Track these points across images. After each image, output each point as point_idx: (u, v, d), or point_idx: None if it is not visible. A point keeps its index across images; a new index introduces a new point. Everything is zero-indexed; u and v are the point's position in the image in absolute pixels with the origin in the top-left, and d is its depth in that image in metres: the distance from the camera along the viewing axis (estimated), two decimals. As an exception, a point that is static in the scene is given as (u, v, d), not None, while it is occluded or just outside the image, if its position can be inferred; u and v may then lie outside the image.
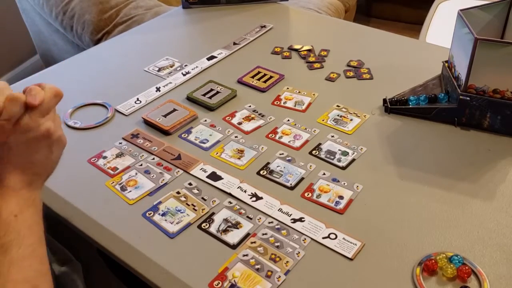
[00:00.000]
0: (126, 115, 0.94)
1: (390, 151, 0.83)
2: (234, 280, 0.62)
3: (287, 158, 0.82)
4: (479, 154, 0.81)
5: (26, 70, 2.28)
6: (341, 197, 0.74)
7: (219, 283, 0.62)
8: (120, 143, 0.87)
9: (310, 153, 0.83)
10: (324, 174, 0.78)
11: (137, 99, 0.98)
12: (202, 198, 0.75)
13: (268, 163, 0.81)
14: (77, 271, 0.81)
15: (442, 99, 0.89)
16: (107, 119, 0.92)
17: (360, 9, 2.69)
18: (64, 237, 0.80)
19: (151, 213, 0.73)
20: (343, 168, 0.80)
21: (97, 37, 1.57)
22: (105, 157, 0.83)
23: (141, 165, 0.82)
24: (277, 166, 0.80)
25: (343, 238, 0.67)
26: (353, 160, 0.81)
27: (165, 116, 0.91)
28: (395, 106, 0.91)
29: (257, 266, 0.64)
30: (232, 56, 1.12)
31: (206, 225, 0.70)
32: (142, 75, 1.06)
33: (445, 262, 0.63)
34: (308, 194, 0.75)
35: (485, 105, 0.83)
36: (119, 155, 0.84)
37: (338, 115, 0.91)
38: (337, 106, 0.94)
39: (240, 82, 1.02)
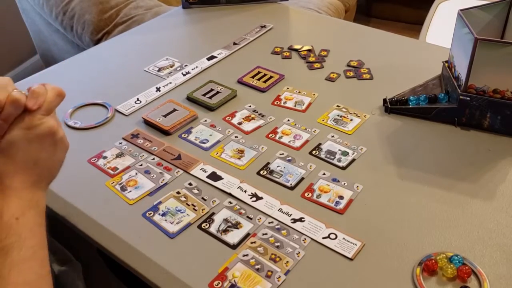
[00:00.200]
0: (126, 115, 0.94)
1: (390, 151, 0.83)
2: (234, 280, 0.62)
3: (287, 158, 0.82)
4: (479, 154, 0.81)
5: (26, 70, 2.28)
6: (341, 197, 0.74)
7: (219, 283, 0.62)
8: (120, 143, 0.87)
9: (310, 153, 0.83)
10: (324, 174, 0.78)
11: (137, 99, 0.98)
12: (202, 198, 0.75)
13: (268, 163, 0.81)
14: (77, 271, 0.81)
15: (442, 99, 0.89)
16: (107, 119, 0.92)
17: (360, 9, 2.69)
18: (64, 237, 0.80)
19: (151, 213, 0.73)
20: (343, 168, 0.80)
21: (97, 37, 1.57)
22: (105, 157, 0.83)
23: (141, 165, 0.82)
24: (277, 166, 0.80)
25: (343, 238, 0.67)
26: (353, 160, 0.81)
27: (165, 116, 0.91)
28: (395, 106, 0.91)
29: (257, 266, 0.64)
30: (232, 56, 1.12)
31: (206, 225, 0.71)
32: (142, 75, 1.06)
33: (445, 262, 0.63)
34: (308, 194, 0.75)
35: (485, 105, 0.83)
36: (119, 155, 0.84)
37: (338, 115, 0.91)
38: (337, 106, 0.94)
39: (240, 82, 1.02)
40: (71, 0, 1.60)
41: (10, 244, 0.53)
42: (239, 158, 0.82)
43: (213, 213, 0.72)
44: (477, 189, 0.75)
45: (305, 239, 0.68)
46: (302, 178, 0.78)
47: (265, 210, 0.72)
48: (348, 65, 1.07)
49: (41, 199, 0.59)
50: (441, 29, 1.80)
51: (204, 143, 0.86)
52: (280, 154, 0.83)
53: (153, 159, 0.83)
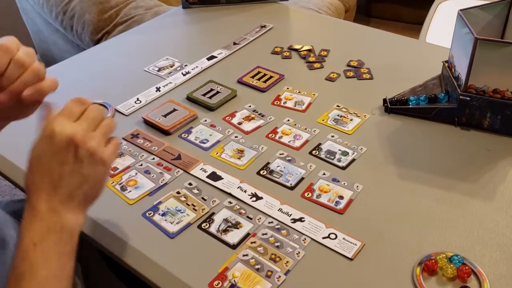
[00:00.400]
0: (126, 115, 0.94)
1: (390, 151, 0.83)
2: (234, 280, 0.62)
3: (287, 158, 0.82)
4: (479, 154, 0.81)
5: (26, 70, 2.27)
6: (341, 197, 0.74)
7: (219, 283, 0.62)
8: (120, 143, 0.86)
9: (310, 153, 0.83)
10: (324, 174, 0.78)
11: (137, 99, 0.98)
12: (202, 198, 0.75)
13: (268, 163, 0.81)
14: (77, 271, 0.81)
15: (442, 99, 0.89)
16: (107, 119, 0.92)
17: (360, 9, 2.69)
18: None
19: (151, 213, 0.73)
20: (343, 168, 0.80)
21: (97, 37, 1.57)
22: (105, 157, 0.83)
23: (141, 165, 0.82)
24: (277, 166, 0.80)
25: (343, 238, 0.67)
26: (353, 160, 0.81)
27: (165, 116, 0.91)
28: (395, 106, 0.91)
29: (257, 266, 0.64)
30: (232, 56, 1.12)
31: (206, 225, 0.71)
32: (142, 75, 1.06)
33: (445, 262, 0.63)
34: (308, 194, 0.75)
35: (485, 105, 0.83)
36: (119, 155, 0.84)
37: (338, 115, 0.91)
38: (337, 106, 0.94)
39: (240, 82, 1.02)
40: (71, 0, 1.61)
41: (22, 274, 0.49)
42: (239, 158, 0.82)
43: (213, 213, 0.72)
44: (477, 189, 0.75)
45: (305, 239, 0.68)
46: (302, 178, 0.78)
47: (265, 210, 0.72)
48: (348, 65, 1.07)
49: (67, 225, 0.52)
50: (441, 29, 1.80)
51: (204, 143, 0.86)
52: (280, 154, 0.83)
53: (153, 159, 0.83)
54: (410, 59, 1.08)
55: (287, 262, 0.65)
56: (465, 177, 0.77)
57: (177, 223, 0.71)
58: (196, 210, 0.73)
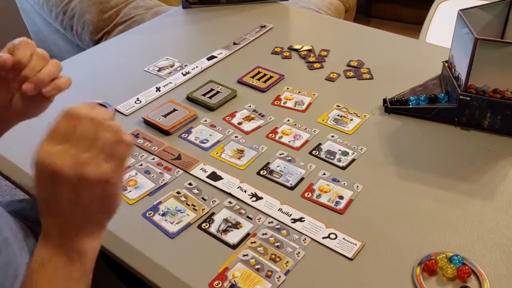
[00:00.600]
0: (126, 115, 0.94)
1: (390, 151, 0.83)
2: (234, 280, 0.62)
3: (287, 158, 0.82)
4: (479, 154, 0.81)
5: (26, 70, 2.27)
6: (341, 197, 0.74)
7: (219, 283, 0.62)
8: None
9: (310, 153, 0.83)
10: (324, 174, 0.78)
11: (137, 99, 0.98)
12: (202, 198, 0.75)
13: (268, 163, 0.81)
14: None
15: (442, 99, 0.89)
16: (107, 119, 0.92)
17: (360, 9, 2.69)
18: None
19: (151, 213, 0.73)
20: (343, 168, 0.80)
21: (97, 37, 1.57)
22: (105, 157, 0.83)
23: (141, 165, 0.82)
24: (277, 166, 0.80)
25: (343, 238, 0.67)
26: (353, 160, 0.81)
27: (165, 116, 0.91)
28: (395, 106, 0.91)
29: (257, 266, 0.64)
30: (232, 56, 1.12)
31: (206, 225, 0.71)
32: (142, 75, 1.06)
33: (445, 262, 0.63)
34: (308, 194, 0.75)
35: (485, 105, 0.83)
36: (119, 155, 0.83)
37: (338, 115, 0.91)
38: (337, 106, 0.94)
39: (240, 82, 1.02)
40: (71, 0, 1.61)
41: None
42: (239, 158, 0.82)
43: (213, 213, 0.72)
44: (477, 189, 0.75)
45: (305, 239, 0.68)
46: (302, 178, 0.78)
47: (265, 210, 0.72)
48: (348, 65, 1.07)
49: (81, 248, 0.49)
50: (441, 29, 1.80)
51: (204, 143, 0.86)
52: (280, 154, 0.83)
53: (153, 159, 0.83)
54: (410, 59, 1.08)
55: (287, 262, 0.65)
56: (465, 177, 0.77)
57: (177, 223, 0.71)
58: (196, 210, 0.73)
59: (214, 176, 0.78)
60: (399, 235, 0.68)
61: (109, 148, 0.48)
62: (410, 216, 0.71)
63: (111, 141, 0.48)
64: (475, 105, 0.83)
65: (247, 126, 0.90)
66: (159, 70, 1.07)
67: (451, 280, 0.62)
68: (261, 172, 0.79)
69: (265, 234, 0.69)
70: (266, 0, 1.35)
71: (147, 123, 0.91)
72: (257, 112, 0.93)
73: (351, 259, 0.65)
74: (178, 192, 0.76)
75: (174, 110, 0.92)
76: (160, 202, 0.74)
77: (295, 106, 0.94)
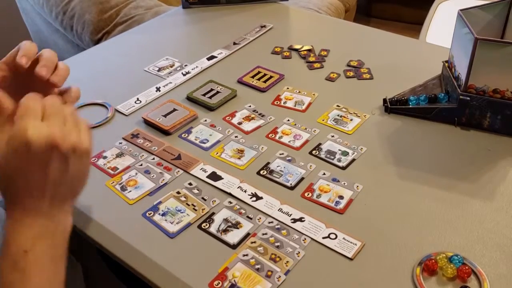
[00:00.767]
0: (126, 115, 0.94)
1: (390, 151, 0.83)
2: (234, 280, 0.62)
3: (287, 158, 0.82)
4: (479, 154, 0.81)
5: (26, 70, 2.27)
6: (341, 197, 0.74)
7: (219, 283, 0.62)
8: (120, 143, 0.87)
9: (310, 153, 0.83)
10: (324, 174, 0.78)
11: (137, 99, 0.98)
12: (202, 198, 0.75)
13: (268, 163, 0.81)
14: (77, 271, 0.81)
15: (442, 99, 0.89)
16: (107, 119, 0.92)
17: (360, 9, 2.69)
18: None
19: (151, 213, 0.73)
20: (343, 168, 0.80)
21: (97, 37, 1.57)
22: (105, 157, 0.83)
23: (141, 165, 0.82)
24: (277, 166, 0.80)
25: (343, 238, 0.67)
26: (353, 160, 0.81)
27: (165, 116, 0.91)
28: (395, 106, 0.91)
29: (257, 266, 0.64)
30: (232, 56, 1.12)
31: (206, 225, 0.70)
32: (142, 75, 1.06)
33: (445, 262, 0.63)
34: (308, 194, 0.75)
35: (485, 105, 0.83)
36: (119, 155, 0.84)
37: (338, 115, 0.91)
38: (337, 106, 0.94)
39: (240, 82, 1.02)
40: (71, 0, 1.61)
41: (11, 283, 0.47)
42: (239, 158, 0.82)
43: (213, 213, 0.72)
44: (477, 189, 0.75)
45: (305, 239, 0.68)
46: (302, 178, 0.78)
47: (265, 210, 0.72)
48: (348, 65, 1.07)
49: (61, 224, 0.51)
50: (441, 29, 1.80)
51: (204, 143, 0.86)
52: (280, 154, 0.83)
53: (153, 159, 0.83)
54: (410, 59, 1.08)
55: (287, 262, 0.65)
56: (465, 177, 0.77)
57: (177, 223, 0.71)
58: (196, 210, 0.73)
59: (214, 176, 0.78)
60: (399, 235, 0.68)
61: (77, 121, 0.53)
62: (410, 216, 0.71)
63: (76, 115, 0.54)
64: (475, 105, 0.83)
65: (247, 126, 0.90)
66: (159, 70, 1.07)
67: (451, 280, 0.62)
68: (261, 172, 0.79)
69: (265, 234, 0.69)
70: (266, 0, 1.35)
71: (147, 123, 0.91)
72: (257, 112, 0.93)
73: (351, 259, 0.65)
74: (178, 192, 0.76)
75: (174, 110, 0.92)
76: (160, 202, 0.74)
77: (295, 106, 0.94)
